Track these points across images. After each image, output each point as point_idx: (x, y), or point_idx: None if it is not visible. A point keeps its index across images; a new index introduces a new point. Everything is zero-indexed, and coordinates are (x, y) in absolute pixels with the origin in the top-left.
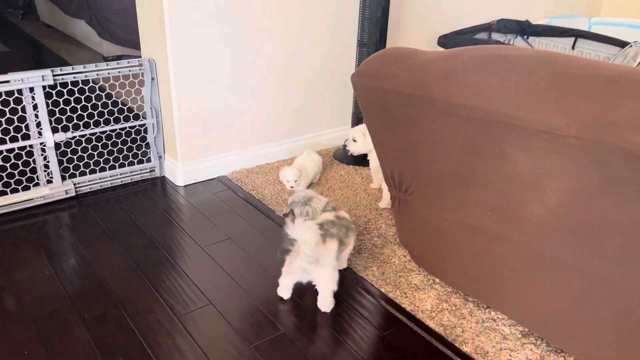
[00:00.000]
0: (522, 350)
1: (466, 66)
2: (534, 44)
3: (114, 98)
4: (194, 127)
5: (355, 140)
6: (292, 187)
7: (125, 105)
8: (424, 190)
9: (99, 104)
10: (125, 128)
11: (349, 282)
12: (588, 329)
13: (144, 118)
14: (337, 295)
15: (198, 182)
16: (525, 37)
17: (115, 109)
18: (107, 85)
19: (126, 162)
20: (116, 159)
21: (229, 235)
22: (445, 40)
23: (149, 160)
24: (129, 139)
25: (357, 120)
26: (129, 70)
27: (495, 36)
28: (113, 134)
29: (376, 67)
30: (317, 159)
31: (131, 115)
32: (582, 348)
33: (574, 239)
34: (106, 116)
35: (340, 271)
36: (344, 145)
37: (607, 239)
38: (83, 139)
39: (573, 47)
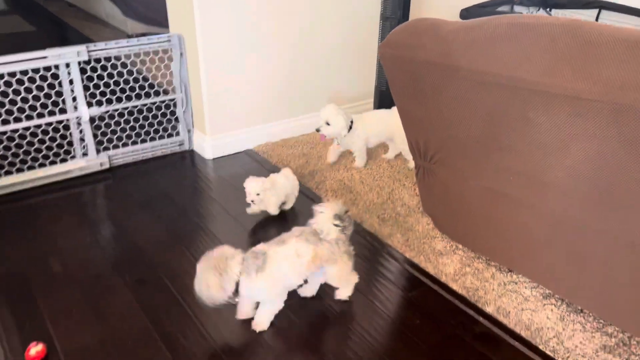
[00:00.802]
0: (543, 310)
1: (491, 35)
2: (556, 15)
3: (144, 74)
4: (221, 101)
5: (328, 124)
6: (252, 201)
7: (154, 80)
8: (448, 158)
9: (130, 79)
10: (156, 103)
11: (374, 248)
12: (610, 290)
13: (173, 93)
14: (364, 260)
15: (226, 155)
16: (548, 9)
17: (146, 84)
18: (137, 61)
19: (157, 136)
20: (147, 133)
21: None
22: (468, 14)
23: (178, 134)
24: (159, 114)
25: (379, 94)
26: (158, 46)
27: (518, 9)
28: (144, 108)
29: (404, 38)
30: (293, 180)
31: (161, 90)
32: (604, 308)
33: (596, 201)
34: (137, 91)
35: (365, 238)
36: (317, 130)
37: (629, 201)
38: (116, 113)
39: (597, 19)
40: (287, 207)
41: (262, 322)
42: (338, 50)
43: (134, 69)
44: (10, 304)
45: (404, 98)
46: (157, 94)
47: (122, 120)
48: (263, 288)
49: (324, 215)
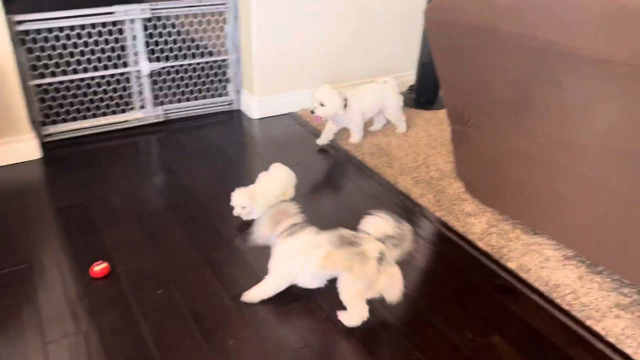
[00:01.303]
0: (563, 270)
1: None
2: None
3: (197, 35)
4: (270, 64)
5: (323, 105)
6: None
7: (207, 42)
8: (483, 121)
9: (185, 38)
10: (209, 63)
11: (406, 207)
12: (632, 249)
13: (225, 54)
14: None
15: (271, 116)
16: None
17: (199, 46)
18: (193, 22)
19: (209, 95)
20: (199, 91)
21: (299, 161)
22: None
23: (227, 94)
24: (211, 74)
25: (422, 66)
26: (215, 9)
27: None
28: (198, 67)
29: (448, 1)
30: (283, 175)
31: (215, 50)
32: (627, 268)
33: (622, 163)
34: (192, 51)
35: (398, 197)
36: (312, 112)
37: None
38: (172, 70)
39: None
40: (287, 197)
41: (252, 295)
42: (383, 20)
43: (189, 30)
44: (75, 231)
45: (446, 62)
46: (210, 54)
47: (177, 77)
48: (278, 252)
49: (370, 237)
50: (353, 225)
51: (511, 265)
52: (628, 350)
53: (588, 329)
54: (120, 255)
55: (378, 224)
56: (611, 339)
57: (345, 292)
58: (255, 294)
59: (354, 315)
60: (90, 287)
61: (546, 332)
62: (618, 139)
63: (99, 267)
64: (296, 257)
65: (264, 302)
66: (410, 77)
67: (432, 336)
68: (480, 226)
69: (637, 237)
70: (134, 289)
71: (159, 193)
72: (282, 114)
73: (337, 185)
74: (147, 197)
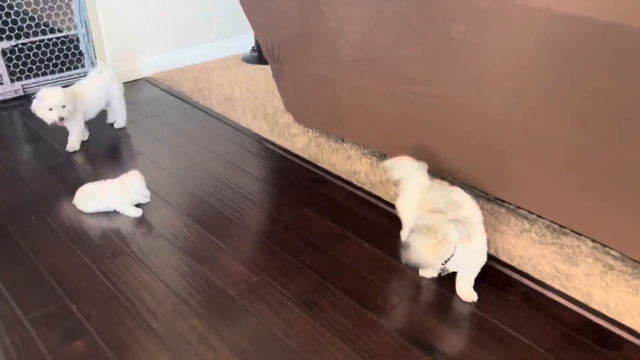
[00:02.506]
0: (360, 162)
1: None
2: None
3: (42, 16)
4: (118, 34)
5: (52, 109)
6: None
7: (53, 20)
8: (289, 55)
9: (32, 17)
10: (60, 38)
11: (246, 136)
12: (393, 139)
13: (75, 29)
14: (232, 143)
15: (126, 82)
16: None
17: (47, 24)
18: (32, 3)
19: (64, 68)
20: (55, 65)
21: (154, 114)
22: None
23: (83, 66)
24: (64, 48)
25: None
26: None
27: None
28: (50, 42)
29: None
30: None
31: (64, 27)
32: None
33: (372, 69)
34: (42, 28)
35: (240, 131)
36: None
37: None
38: (25, 47)
39: None
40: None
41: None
42: None
43: (35, 9)
44: None
45: (251, 9)
46: (59, 30)
47: (32, 54)
48: (473, 256)
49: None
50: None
51: (323, 164)
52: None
53: (371, 194)
54: None
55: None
56: (386, 199)
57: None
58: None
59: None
60: None
61: (343, 201)
62: (368, 48)
63: None
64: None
65: None
66: (250, 39)
67: (253, 214)
68: (303, 142)
69: (404, 128)
70: (9, 219)
71: (32, 154)
72: (137, 79)
73: (190, 131)
74: (16, 158)
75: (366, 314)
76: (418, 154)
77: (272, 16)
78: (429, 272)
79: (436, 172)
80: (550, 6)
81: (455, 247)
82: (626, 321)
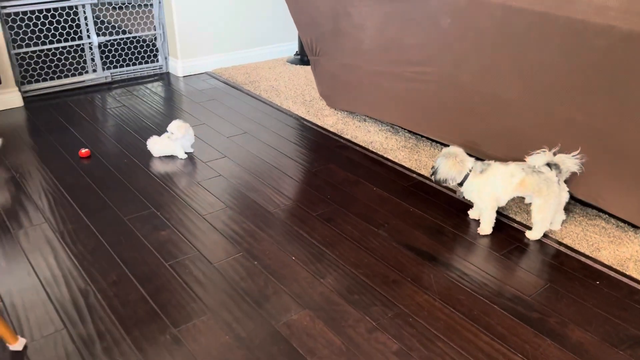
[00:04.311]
0: (377, 134)
1: None
2: None
3: (126, 24)
4: (188, 35)
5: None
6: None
7: (137, 27)
8: (325, 48)
9: (122, 23)
10: (142, 37)
11: (290, 117)
12: (412, 111)
13: (154, 30)
14: (279, 124)
15: (192, 75)
16: None
17: (132, 29)
18: (120, 14)
19: (143, 62)
20: (137, 59)
21: (214, 98)
22: None
23: (158, 60)
24: (144, 45)
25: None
26: None
27: None
28: (134, 40)
29: None
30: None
31: (146, 28)
32: (405, 121)
33: (388, 57)
34: (123, 28)
35: (286, 114)
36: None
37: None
38: (115, 43)
39: None
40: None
41: (483, 228)
42: (265, 2)
43: (117, 14)
44: (54, 139)
45: (296, 11)
46: (142, 30)
47: (120, 48)
48: (476, 189)
49: (539, 156)
50: (265, 129)
51: (347, 136)
52: (392, 157)
53: (383, 157)
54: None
55: (540, 157)
56: (395, 161)
57: (536, 211)
58: (487, 227)
59: (540, 230)
60: (81, 166)
61: (360, 160)
62: (381, 39)
63: (84, 150)
64: (499, 186)
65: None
66: (293, 45)
67: (290, 165)
68: (332, 120)
69: (408, 101)
70: (108, 162)
71: (102, 129)
72: (201, 73)
73: (242, 110)
74: (96, 135)
75: (369, 228)
76: (417, 120)
77: (311, 16)
78: (474, 214)
79: (432, 132)
80: (506, 2)
81: (469, 171)
82: None
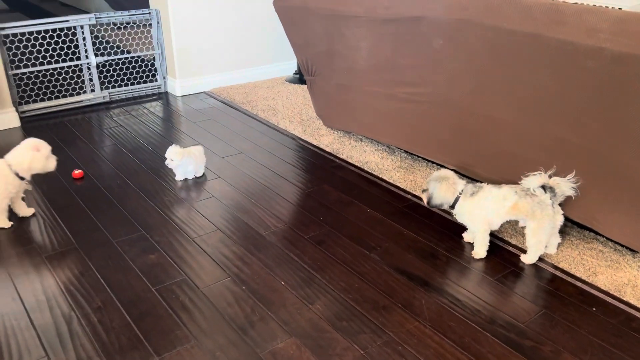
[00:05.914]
0: (373, 155)
1: None
2: None
3: (125, 44)
4: (186, 55)
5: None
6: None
7: (134, 47)
8: (320, 68)
9: (117, 39)
10: (140, 57)
11: (287, 137)
12: (417, 134)
13: (152, 50)
14: (275, 142)
15: (190, 94)
16: None
17: (131, 49)
18: (119, 34)
19: (141, 81)
20: (135, 78)
21: (211, 117)
22: None
23: (157, 80)
24: (142, 65)
25: None
26: (143, 17)
27: None
28: (133, 60)
29: None
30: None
31: (144, 48)
32: (401, 142)
33: (382, 76)
34: (122, 48)
35: (283, 133)
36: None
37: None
38: (114, 62)
39: None
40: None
41: (477, 252)
42: (264, 22)
43: (119, 34)
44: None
45: (292, 33)
46: (140, 50)
47: (118, 68)
48: (467, 212)
49: (534, 178)
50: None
51: (343, 156)
52: (384, 177)
53: (378, 177)
54: (91, 169)
55: (535, 179)
56: (390, 182)
57: (530, 235)
58: (480, 251)
59: (535, 254)
60: (72, 186)
61: (355, 181)
62: (374, 59)
63: (77, 171)
64: (491, 209)
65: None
66: (292, 64)
67: (284, 186)
68: (328, 140)
69: (401, 121)
70: (100, 182)
71: (100, 153)
72: (199, 92)
73: (239, 129)
74: (94, 158)
75: (361, 251)
76: (411, 140)
77: (306, 37)
78: (468, 237)
79: (426, 153)
80: (497, 23)
81: (459, 194)
82: None
